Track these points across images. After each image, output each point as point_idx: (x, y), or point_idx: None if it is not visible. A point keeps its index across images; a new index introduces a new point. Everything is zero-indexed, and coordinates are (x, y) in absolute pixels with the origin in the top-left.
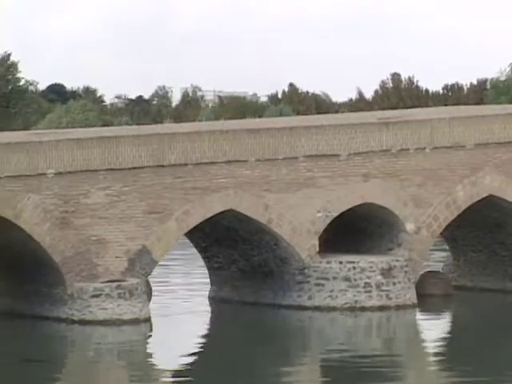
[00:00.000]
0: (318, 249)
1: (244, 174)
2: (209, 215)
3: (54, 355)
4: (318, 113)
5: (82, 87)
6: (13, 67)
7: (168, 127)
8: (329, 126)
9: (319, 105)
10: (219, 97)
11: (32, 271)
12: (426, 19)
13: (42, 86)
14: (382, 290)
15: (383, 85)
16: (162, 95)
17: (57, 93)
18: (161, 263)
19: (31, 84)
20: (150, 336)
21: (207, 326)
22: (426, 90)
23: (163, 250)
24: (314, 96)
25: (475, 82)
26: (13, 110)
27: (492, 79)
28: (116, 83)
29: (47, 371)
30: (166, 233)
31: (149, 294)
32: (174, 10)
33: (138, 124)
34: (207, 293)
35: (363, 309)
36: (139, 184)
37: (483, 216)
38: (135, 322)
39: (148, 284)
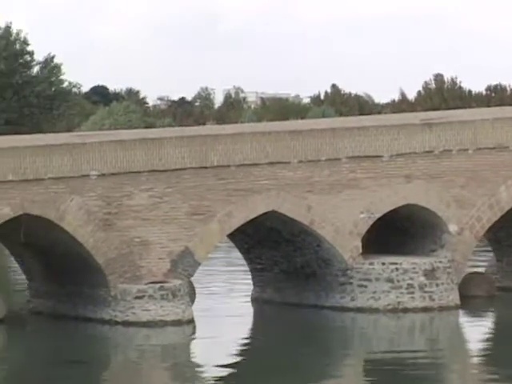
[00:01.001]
0: (360, 250)
1: (286, 176)
2: (251, 217)
3: (97, 356)
4: (361, 114)
5: (124, 89)
6: (56, 69)
7: (210, 129)
8: (371, 128)
9: (362, 106)
10: (262, 98)
11: (75, 273)
12: (468, 20)
13: (85, 88)
14: (425, 292)
15: (426, 86)
16: (205, 97)
17: (100, 95)
18: (203, 265)
19: (74, 86)
20: (193, 337)
21: (250, 328)
22: (469, 91)
23: (206, 252)
24: (357, 97)
25: None
26: (56, 112)
27: None
28: (159, 85)
29: (90, 372)
30: (209, 234)
31: (192, 295)
32: (218, 11)
33: (180, 126)
34: (250, 294)
35: (406, 310)
36: (182, 185)
37: None
38: (178, 323)
39: (191, 285)
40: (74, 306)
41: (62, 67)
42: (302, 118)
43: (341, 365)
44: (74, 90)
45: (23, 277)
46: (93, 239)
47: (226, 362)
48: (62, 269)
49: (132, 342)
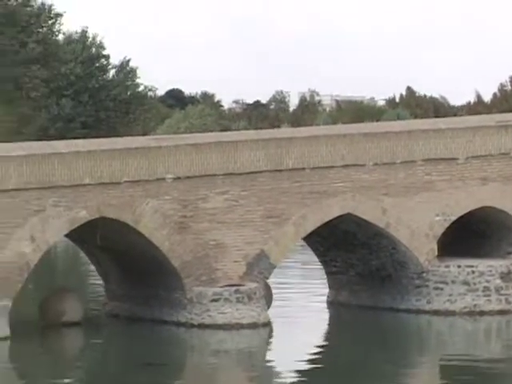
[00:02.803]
0: (436, 253)
1: (362, 178)
2: (326, 219)
3: (173, 359)
4: (436, 116)
5: (200, 92)
6: (132, 73)
7: (286, 132)
8: (447, 130)
9: (437, 108)
10: (336, 101)
11: (151, 275)
12: None
13: (160, 92)
14: (501, 294)
15: (502, 87)
16: (280, 100)
17: (175, 98)
18: (278, 267)
19: (150, 90)
20: (269, 340)
21: (325, 330)
22: None
23: (281, 255)
24: (432, 99)
25: None
26: (132, 115)
27: None
28: (234, 88)
29: (167, 375)
30: (284, 237)
31: (269, 298)
32: (292, 13)
33: (255, 129)
34: (325, 297)
35: (482, 313)
36: (257, 188)
37: None
38: (254, 326)
39: (269, 289)
40: (150, 308)
41: (138, 71)
42: (377, 120)
43: (416, 368)
44: (150, 93)
45: (99, 280)
46: (168, 242)
47: (301, 365)
48: (138, 272)
49: (208, 344)
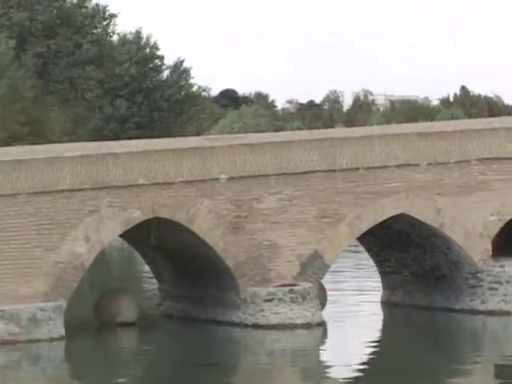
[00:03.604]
0: (490, 252)
1: (416, 178)
2: (380, 219)
3: (227, 359)
4: (491, 116)
5: (254, 92)
6: (186, 73)
7: (339, 131)
8: (501, 129)
9: (491, 108)
10: (390, 101)
11: (205, 276)
12: None
13: (214, 92)
14: None
15: None
16: (334, 99)
17: (229, 98)
18: (332, 267)
19: (204, 90)
20: (323, 340)
21: (379, 330)
22: None
23: (335, 255)
24: (487, 99)
25: None
26: (186, 115)
27: None
28: (287, 88)
29: (221, 375)
30: (338, 237)
31: (323, 298)
32: (346, 12)
33: (309, 129)
34: (379, 297)
35: None
36: (311, 188)
37: None
38: (308, 326)
39: (323, 289)
40: (204, 308)
41: (192, 71)
42: (431, 120)
43: (471, 369)
44: (204, 93)
45: (154, 280)
46: (222, 242)
47: (355, 365)
48: (192, 272)
49: (262, 344)
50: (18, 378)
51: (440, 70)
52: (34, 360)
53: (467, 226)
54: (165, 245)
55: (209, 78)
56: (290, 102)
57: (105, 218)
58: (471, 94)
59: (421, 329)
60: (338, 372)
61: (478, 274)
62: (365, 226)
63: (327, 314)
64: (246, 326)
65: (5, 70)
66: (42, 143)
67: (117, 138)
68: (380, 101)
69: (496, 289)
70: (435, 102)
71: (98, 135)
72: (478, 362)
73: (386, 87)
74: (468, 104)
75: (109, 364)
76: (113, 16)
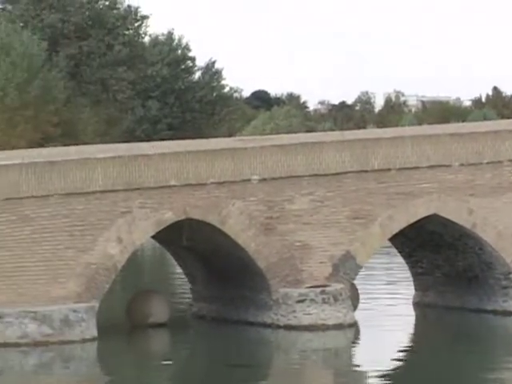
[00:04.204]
0: None
1: (448, 179)
2: (412, 220)
3: (260, 360)
4: None
5: (285, 94)
6: (217, 74)
7: (371, 132)
8: None
9: None
10: (422, 102)
11: (237, 277)
12: None
13: (246, 93)
14: None
15: None
16: (365, 100)
17: (261, 99)
18: (364, 268)
19: (236, 91)
20: (355, 341)
21: (412, 332)
22: None
23: (367, 256)
24: None
25: None
26: (217, 117)
27: None
28: (319, 89)
29: (254, 376)
30: (370, 238)
31: (356, 300)
32: (377, 13)
33: (341, 129)
34: (411, 298)
35: None
36: (343, 189)
37: None
38: (340, 327)
39: (355, 290)
40: (236, 309)
41: (223, 72)
42: (463, 120)
43: (504, 371)
44: (235, 94)
45: (186, 281)
46: (254, 243)
47: (387, 366)
48: (224, 273)
49: (294, 345)
50: (50, 380)
51: (472, 70)
52: (66, 361)
53: (499, 226)
54: (197, 246)
55: (240, 79)
56: (321, 102)
57: (137, 219)
58: (503, 94)
59: (453, 330)
60: (369, 373)
61: (511, 275)
62: (397, 226)
63: (359, 314)
64: (278, 326)
65: (37, 71)
66: (74, 144)
67: (149, 139)
68: (412, 102)
69: None
70: (467, 103)
71: (130, 136)
72: (511, 363)
73: (418, 88)
74: (500, 105)
75: (141, 365)
76: (144, 17)
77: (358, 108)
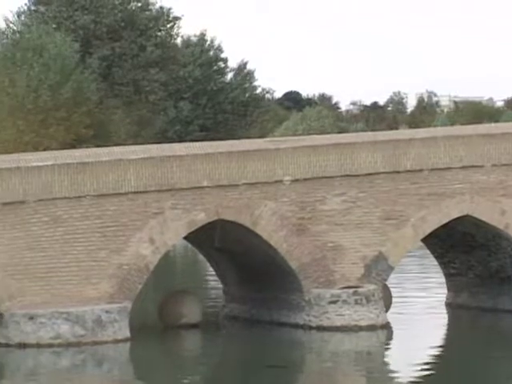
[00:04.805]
0: None
1: (480, 180)
2: (444, 221)
3: (292, 361)
4: None
5: (317, 94)
6: (249, 76)
7: (403, 133)
8: None
9: None
10: (455, 102)
11: (269, 277)
12: None
13: (278, 94)
14: None
15: None
16: (397, 101)
17: (293, 100)
18: (397, 269)
19: (267, 92)
20: (388, 342)
21: (444, 333)
22: None
23: (399, 256)
24: None
25: None
26: (249, 118)
27: None
28: (351, 90)
29: (287, 377)
30: (402, 239)
31: (388, 301)
32: (409, 13)
33: (373, 130)
34: (443, 299)
35: None
36: (375, 190)
37: None
38: (372, 328)
39: (388, 291)
40: (269, 310)
41: (255, 73)
42: (496, 121)
43: None
44: (267, 96)
45: (218, 282)
46: (286, 244)
47: (419, 368)
48: (256, 274)
49: (326, 346)
50: (82, 380)
51: (505, 70)
52: (98, 362)
53: None
54: (229, 247)
55: (272, 80)
56: (353, 103)
57: (169, 220)
58: None
59: (486, 331)
60: (402, 374)
61: None
62: (429, 227)
63: (392, 316)
64: (310, 327)
65: (70, 73)
66: (106, 146)
67: (181, 140)
68: (444, 102)
69: None
70: (500, 103)
71: (162, 137)
72: None
73: (451, 88)
74: None
75: (173, 366)
76: (177, 19)
77: (390, 108)
